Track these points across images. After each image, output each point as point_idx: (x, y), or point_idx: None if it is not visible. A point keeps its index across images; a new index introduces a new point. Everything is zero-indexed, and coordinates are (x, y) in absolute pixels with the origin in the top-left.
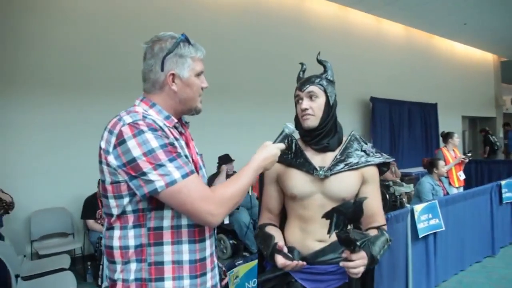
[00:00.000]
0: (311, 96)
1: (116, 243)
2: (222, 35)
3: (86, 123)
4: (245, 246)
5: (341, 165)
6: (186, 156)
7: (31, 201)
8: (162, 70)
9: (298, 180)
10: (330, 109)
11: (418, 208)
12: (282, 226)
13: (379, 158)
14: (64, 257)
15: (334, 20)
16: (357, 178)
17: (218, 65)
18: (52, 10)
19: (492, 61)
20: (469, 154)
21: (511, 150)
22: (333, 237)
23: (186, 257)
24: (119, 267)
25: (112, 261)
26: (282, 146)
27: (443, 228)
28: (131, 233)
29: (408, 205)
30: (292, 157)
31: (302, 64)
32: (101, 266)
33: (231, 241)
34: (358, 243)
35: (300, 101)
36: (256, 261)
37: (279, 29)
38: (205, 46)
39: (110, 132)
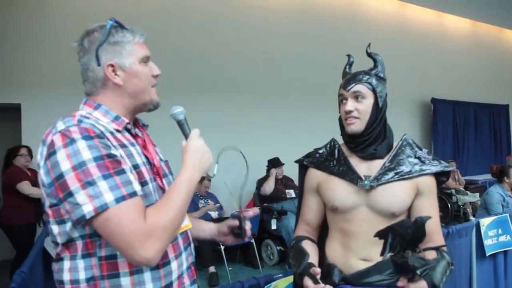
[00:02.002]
0: (357, 97)
1: (66, 276)
2: (271, 35)
3: None
4: None
5: (391, 174)
6: (136, 166)
7: None
8: (99, 64)
9: (340, 191)
10: (379, 111)
11: (485, 222)
12: (322, 240)
13: (436, 167)
14: None
15: (390, 16)
16: (410, 190)
17: (267, 66)
18: (62, 12)
19: None
20: None
21: None
22: (380, 256)
23: (150, 286)
24: None
25: None
26: (196, 131)
27: None
28: (81, 264)
29: (473, 218)
30: (334, 165)
31: (349, 56)
32: None
33: (278, 248)
34: (418, 272)
35: (344, 101)
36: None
37: (330, 27)
38: (250, 45)
39: (43, 143)
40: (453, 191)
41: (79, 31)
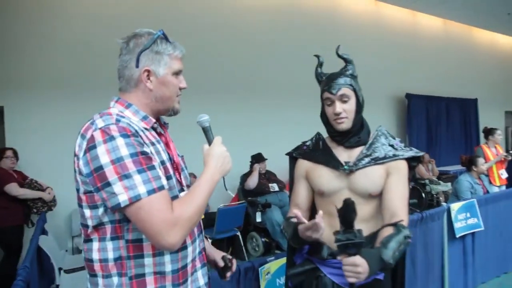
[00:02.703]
0: (343, 100)
1: (95, 256)
2: (250, 31)
3: None
4: (277, 244)
5: (367, 160)
6: (163, 162)
7: (72, 198)
8: (137, 66)
9: (325, 177)
10: (360, 108)
11: (455, 206)
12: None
13: (408, 152)
14: None
15: (366, 15)
16: (382, 172)
17: (249, 65)
18: (61, 9)
19: None
20: None
21: None
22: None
23: (168, 268)
24: (100, 281)
25: (93, 275)
26: (219, 138)
27: (482, 228)
28: (109, 245)
29: (444, 204)
30: (319, 155)
31: (318, 57)
32: None
33: (263, 239)
34: (335, 244)
35: (331, 104)
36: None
37: (309, 26)
38: (229, 42)
39: (82, 137)
40: (427, 181)
41: (64, 33)
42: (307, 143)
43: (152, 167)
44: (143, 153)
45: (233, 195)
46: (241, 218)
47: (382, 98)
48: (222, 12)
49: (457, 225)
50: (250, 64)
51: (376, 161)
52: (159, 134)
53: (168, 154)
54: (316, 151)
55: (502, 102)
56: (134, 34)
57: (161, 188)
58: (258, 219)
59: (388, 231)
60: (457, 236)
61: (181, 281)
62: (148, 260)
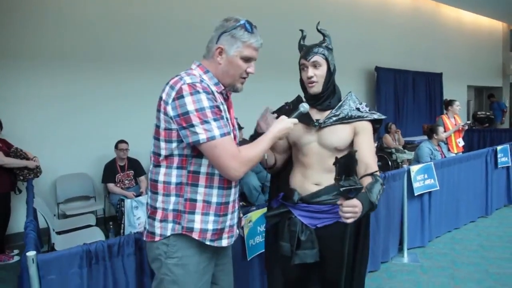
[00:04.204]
0: (315, 65)
1: (161, 178)
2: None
3: (105, 93)
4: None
5: (334, 119)
6: (227, 119)
7: (56, 167)
8: (216, 42)
9: (299, 131)
10: (331, 75)
11: (414, 168)
12: (288, 174)
13: (372, 115)
14: (90, 216)
15: None
16: (349, 131)
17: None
18: None
19: (502, 30)
20: (469, 122)
21: (497, 121)
22: (328, 181)
23: (214, 199)
24: (160, 197)
25: (155, 192)
26: (295, 121)
27: (438, 188)
28: (174, 172)
29: (405, 166)
30: None
31: (302, 31)
32: (122, 225)
33: (241, 203)
34: (341, 189)
35: (306, 69)
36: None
37: (286, 5)
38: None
39: (172, 87)
40: (393, 150)
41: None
42: (289, 104)
43: (223, 117)
44: (217, 107)
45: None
46: None
47: (354, 70)
48: None
49: (415, 185)
50: None
51: (342, 120)
52: (225, 99)
53: (229, 115)
54: (294, 111)
55: (465, 77)
56: (226, 19)
57: (229, 133)
58: None
59: (368, 180)
60: (416, 194)
61: (221, 213)
62: (200, 189)
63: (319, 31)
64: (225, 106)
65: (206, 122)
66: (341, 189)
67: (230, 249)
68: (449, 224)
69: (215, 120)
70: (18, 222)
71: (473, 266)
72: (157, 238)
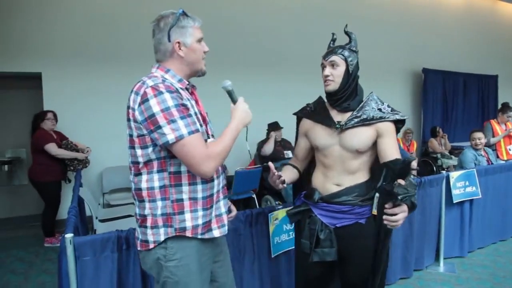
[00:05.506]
0: (332, 65)
1: (144, 185)
2: (274, 10)
3: None
4: None
5: (356, 120)
6: (195, 113)
7: (103, 159)
8: (169, 40)
9: (320, 134)
10: (349, 76)
11: (454, 174)
12: (311, 173)
13: (394, 116)
14: (132, 207)
15: None
16: (371, 132)
17: (268, 37)
18: None
19: None
20: None
21: None
22: (349, 182)
23: (200, 194)
24: (147, 204)
25: (141, 200)
26: (242, 98)
27: (480, 196)
28: (156, 176)
29: (444, 172)
30: (319, 115)
31: (333, 34)
32: None
33: (277, 202)
34: (399, 197)
35: (324, 68)
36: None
37: (332, 6)
38: (254, 18)
39: (136, 93)
40: (439, 155)
41: (99, 3)
42: (310, 105)
43: (190, 115)
44: (183, 105)
45: (249, 148)
46: (257, 182)
47: (399, 72)
48: None
49: (455, 192)
50: (270, 36)
51: (364, 122)
52: (191, 94)
53: (198, 109)
54: (316, 112)
55: None
56: (161, 16)
57: (197, 130)
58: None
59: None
60: (454, 202)
61: (208, 206)
62: (185, 188)
63: (345, 33)
64: (193, 101)
65: (173, 121)
66: (399, 197)
67: (226, 246)
68: (494, 235)
69: (182, 118)
70: (67, 209)
71: None
72: (151, 246)
